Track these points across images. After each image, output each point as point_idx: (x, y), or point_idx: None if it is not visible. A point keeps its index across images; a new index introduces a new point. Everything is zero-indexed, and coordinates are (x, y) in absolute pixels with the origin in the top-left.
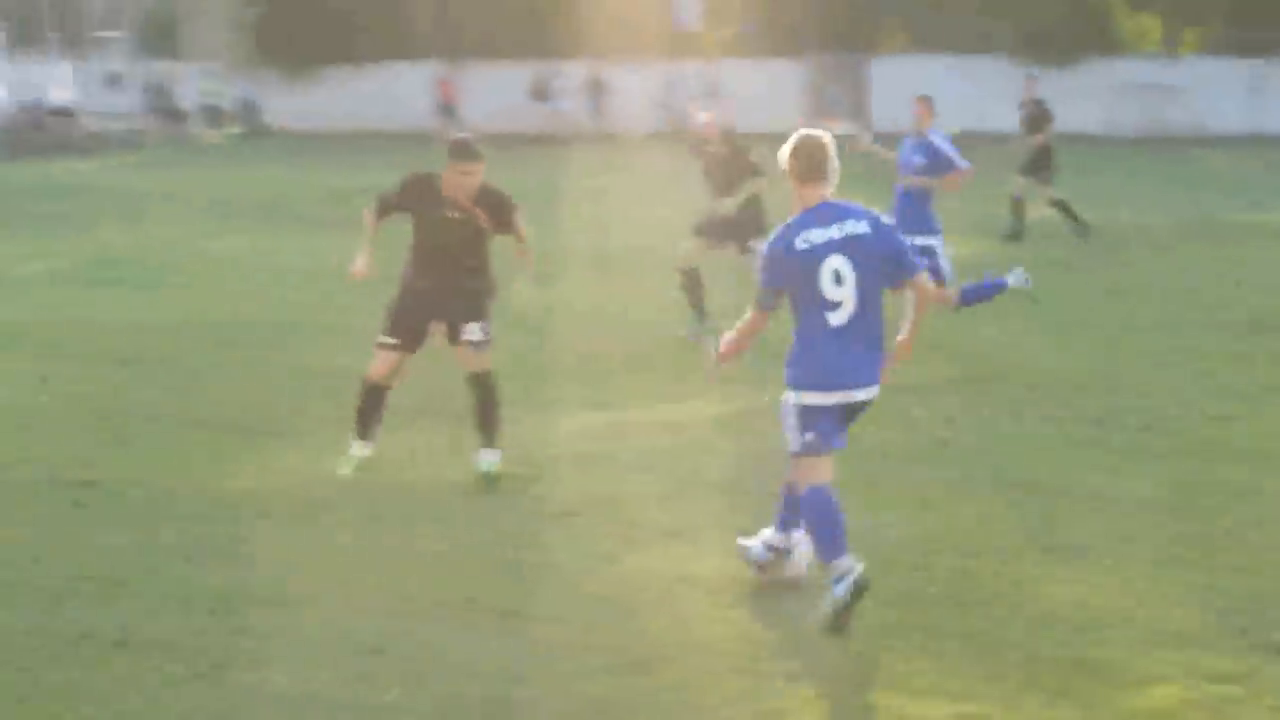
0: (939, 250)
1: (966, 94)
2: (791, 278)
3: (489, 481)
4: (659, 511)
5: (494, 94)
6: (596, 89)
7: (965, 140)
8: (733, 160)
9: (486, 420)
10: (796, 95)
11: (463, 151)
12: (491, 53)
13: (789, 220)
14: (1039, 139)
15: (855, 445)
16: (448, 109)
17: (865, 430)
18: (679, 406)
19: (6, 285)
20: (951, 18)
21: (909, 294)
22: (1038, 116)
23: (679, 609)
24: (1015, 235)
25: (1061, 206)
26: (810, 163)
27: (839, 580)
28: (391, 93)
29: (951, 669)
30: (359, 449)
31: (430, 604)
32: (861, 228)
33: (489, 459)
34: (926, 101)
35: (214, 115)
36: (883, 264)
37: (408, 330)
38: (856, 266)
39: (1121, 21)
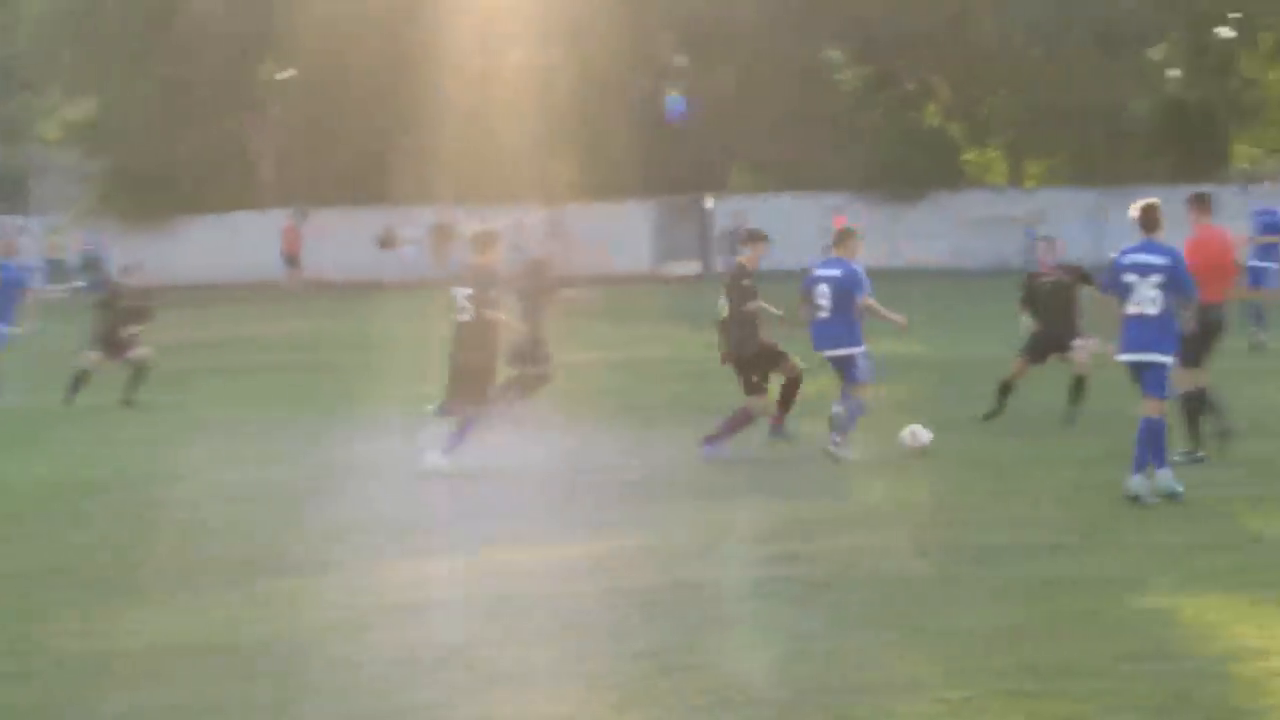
0: None
1: (813, 231)
2: None
3: None
4: (504, 657)
5: (341, 241)
6: (443, 235)
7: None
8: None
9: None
10: (643, 237)
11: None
12: (337, 200)
13: None
14: None
15: None
16: (291, 258)
17: None
18: (518, 552)
19: None
20: (800, 157)
21: None
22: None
23: None
24: None
25: None
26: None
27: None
28: (237, 243)
29: None
30: None
31: None
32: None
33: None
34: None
35: (59, 270)
36: None
37: None
38: None
39: (967, 156)
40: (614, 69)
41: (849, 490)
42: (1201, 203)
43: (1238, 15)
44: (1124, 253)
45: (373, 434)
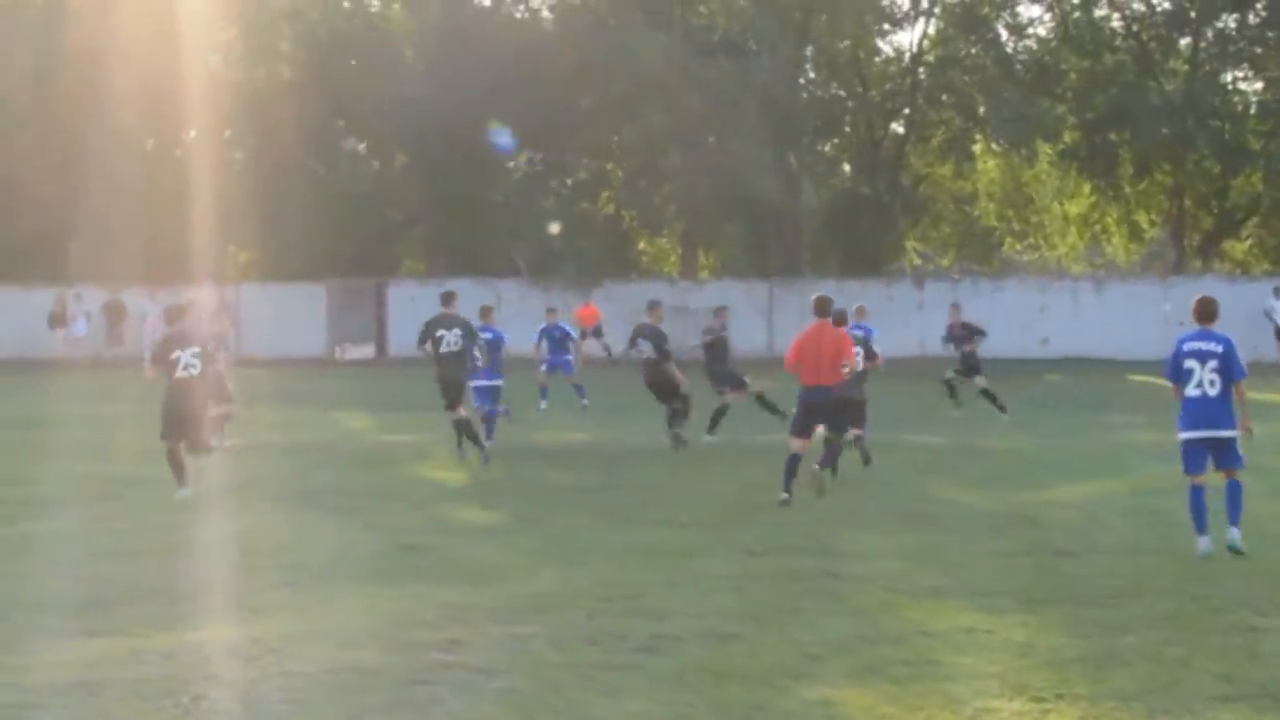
0: None
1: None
2: None
3: None
4: None
5: (9, 319)
6: (115, 313)
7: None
8: None
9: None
10: (317, 318)
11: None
12: (9, 278)
13: None
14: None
15: None
16: None
17: None
18: (187, 634)
19: None
20: (472, 242)
21: None
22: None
23: None
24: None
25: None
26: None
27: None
28: None
29: None
30: None
31: None
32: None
33: None
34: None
35: None
36: None
37: None
38: None
39: (640, 246)
40: (288, 151)
41: (518, 578)
42: (822, 304)
43: (908, 111)
44: (1182, 340)
45: (42, 512)
